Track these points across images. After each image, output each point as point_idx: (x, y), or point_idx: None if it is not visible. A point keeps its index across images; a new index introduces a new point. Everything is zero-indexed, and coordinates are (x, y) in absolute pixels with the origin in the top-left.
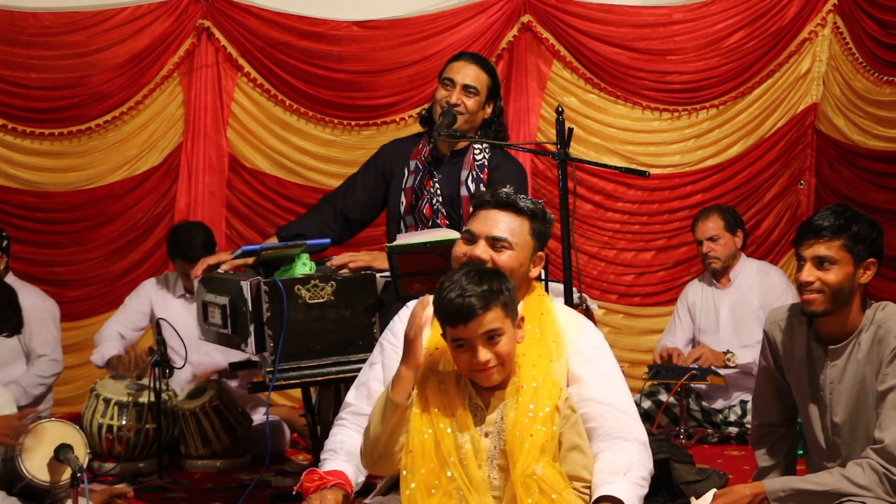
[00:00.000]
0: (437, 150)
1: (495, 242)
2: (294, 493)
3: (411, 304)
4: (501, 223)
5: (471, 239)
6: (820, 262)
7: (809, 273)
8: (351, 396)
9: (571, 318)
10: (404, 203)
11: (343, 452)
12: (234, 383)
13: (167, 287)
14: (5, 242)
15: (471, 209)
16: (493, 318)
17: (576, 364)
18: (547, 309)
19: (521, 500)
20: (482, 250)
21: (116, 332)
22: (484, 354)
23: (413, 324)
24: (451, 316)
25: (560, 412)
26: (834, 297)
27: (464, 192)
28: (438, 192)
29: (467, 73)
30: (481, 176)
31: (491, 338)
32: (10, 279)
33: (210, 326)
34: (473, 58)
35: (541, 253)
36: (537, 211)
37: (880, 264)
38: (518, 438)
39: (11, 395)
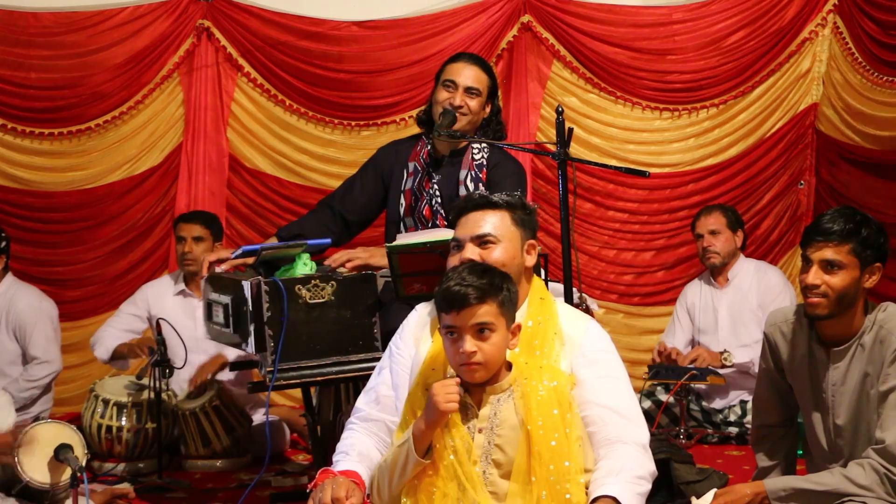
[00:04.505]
0: (436, 151)
1: (481, 240)
2: (308, 490)
3: (420, 307)
4: (482, 221)
5: (458, 245)
6: (827, 266)
7: (816, 276)
8: (361, 402)
9: (577, 320)
10: (404, 205)
11: (355, 454)
12: (232, 376)
13: (164, 287)
14: (3, 243)
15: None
16: (486, 311)
17: (579, 367)
18: (547, 315)
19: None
20: (470, 252)
21: (112, 335)
22: (470, 345)
23: (450, 399)
24: (447, 302)
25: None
26: (838, 301)
27: (463, 192)
28: (438, 192)
29: (469, 75)
30: (480, 175)
31: (481, 331)
32: (9, 280)
33: (213, 325)
34: (473, 58)
35: (532, 241)
36: (513, 201)
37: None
38: (534, 409)
39: (9, 398)
